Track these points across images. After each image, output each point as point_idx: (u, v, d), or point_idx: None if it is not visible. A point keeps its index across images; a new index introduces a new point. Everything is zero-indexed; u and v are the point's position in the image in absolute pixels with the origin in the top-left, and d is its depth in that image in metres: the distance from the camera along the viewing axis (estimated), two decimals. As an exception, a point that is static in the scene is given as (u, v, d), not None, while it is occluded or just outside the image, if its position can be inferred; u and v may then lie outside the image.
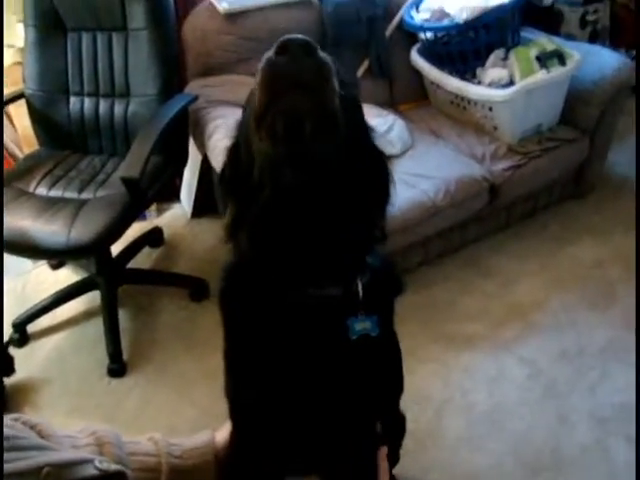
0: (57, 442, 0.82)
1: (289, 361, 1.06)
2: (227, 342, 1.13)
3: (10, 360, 2.17)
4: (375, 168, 1.01)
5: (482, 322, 2.33)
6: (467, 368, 2.17)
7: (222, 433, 1.19)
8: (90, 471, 0.69)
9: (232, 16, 2.44)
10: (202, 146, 2.30)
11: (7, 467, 0.60)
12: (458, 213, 2.41)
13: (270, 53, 0.81)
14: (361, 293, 1.04)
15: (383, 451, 1.22)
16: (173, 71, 2.29)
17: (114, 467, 0.74)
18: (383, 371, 1.16)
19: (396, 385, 1.35)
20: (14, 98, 2.38)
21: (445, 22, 2.50)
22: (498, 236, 2.70)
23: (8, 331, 2.34)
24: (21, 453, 0.65)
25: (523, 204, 2.71)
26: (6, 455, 0.62)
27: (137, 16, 2.19)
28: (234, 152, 0.99)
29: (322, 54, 0.82)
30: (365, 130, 1.00)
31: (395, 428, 1.51)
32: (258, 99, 0.83)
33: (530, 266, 2.56)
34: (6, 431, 0.66)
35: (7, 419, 0.72)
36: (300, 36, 0.80)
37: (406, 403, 1.47)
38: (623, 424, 1.92)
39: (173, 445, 1.07)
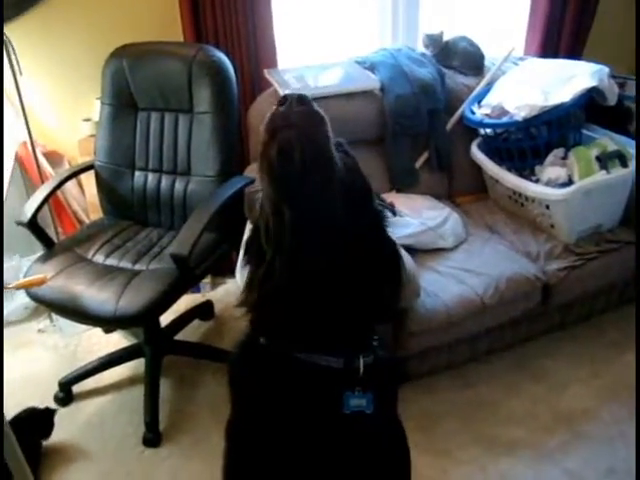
0: None
1: (289, 432, 1.11)
2: (232, 416, 1.17)
3: (51, 425, 2.22)
4: (383, 249, 1.10)
5: (526, 427, 2.23)
6: (505, 475, 2.06)
7: None
8: None
9: (295, 104, 2.51)
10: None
11: None
12: (508, 311, 2.35)
13: (274, 106, 0.98)
14: (362, 370, 1.09)
15: None
16: (232, 154, 2.38)
17: None
18: (382, 459, 1.16)
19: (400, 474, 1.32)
20: (85, 168, 2.54)
21: (505, 119, 2.51)
22: (551, 338, 2.61)
23: (54, 389, 2.41)
24: None
25: (579, 306, 2.61)
26: None
27: (203, 101, 2.31)
28: (256, 230, 1.11)
29: (316, 106, 1.00)
30: (368, 195, 1.11)
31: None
32: (261, 141, 0.98)
33: (582, 372, 2.45)
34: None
35: None
36: (298, 92, 0.99)
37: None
38: None
39: None
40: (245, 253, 1.15)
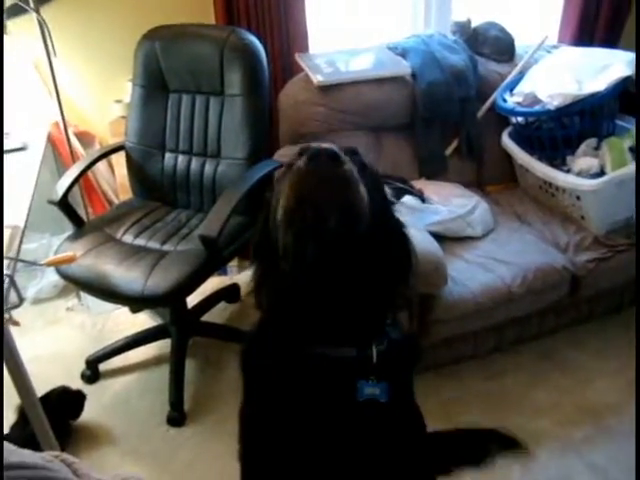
0: None
1: (302, 419, 1.11)
2: (245, 401, 1.18)
3: (81, 407, 2.25)
4: (395, 240, 1.09)
5: (551, 419, 2.22)
6: (529, 467, 2.05)
7: None
8: None
9: (326, 88, 2.52)
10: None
11: None
12: (535, 302, 2.33)
13: (301, 162, 0.92)
14: (375, 358, 1.09)
15: None
16: (262, 138, 2.37)
17: None
18: (398, 443, 1.15)
19: (419, 462, 1.31)
20: (116, 149, 2.56)
21: (537, 108, 2.48)
22: (578, 329, 2.58)
23: (81, 367, 2.45)
24: None
25: (607, 298, 2.58)
26: None
27: (234, 83, 2.30)
28: (265, 222, 1.09)
29: (347, 163, 0.93)
30: (387, 207, 1.09)
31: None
32: (288, 199, 0.93)
33: (610, 365, 2.43)
34: (44, 464, 0.69)
35: (48, 455, 0.75)
36: (329, 146, 0.92)
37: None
38: None
39: None
40: (254, 253, 1.14)
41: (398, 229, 1.11)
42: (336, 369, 1.07)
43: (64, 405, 2.19)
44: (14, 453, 0.67)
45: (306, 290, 1.01)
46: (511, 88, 2.70)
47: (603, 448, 2.10)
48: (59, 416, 2.11)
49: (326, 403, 1.09)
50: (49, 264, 1.91)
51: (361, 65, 2.65)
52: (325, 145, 0.94)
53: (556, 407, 2.27)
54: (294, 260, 0.98)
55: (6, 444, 0.68)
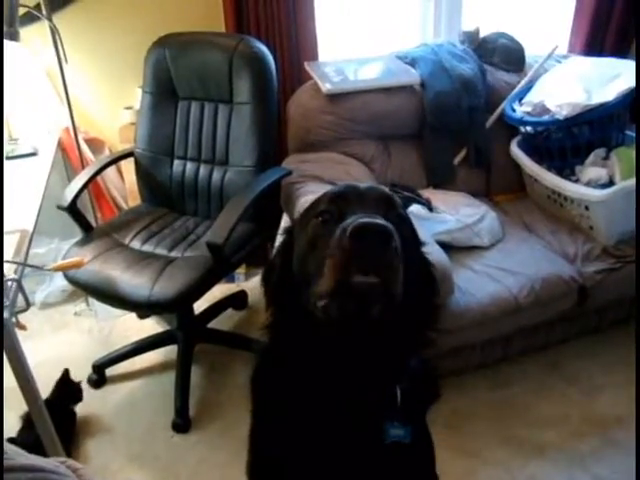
0: None
1: (321, 459, 1.06)
2: (254, 424, 1.15)
3: (78, 389, 2.27)
4: (424, 283, 1.06)
5: (557, 430, 2.20)
6: (533, 478, 2.03)
7: None
8: None
9: (334, 97, 2.53)
10: (292, 219, 2.37)
11: None
12: (543, 312, 2.32)
13: (345, 238, 0.83)
14: (399, 400, 1.05)
15: None
16: (270, 145, 2.39)
17: None
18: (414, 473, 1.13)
19: None
20: (125, 155, 2.58)
21: (546, 117, 2.47)
22: (586, 340, 2.56)
23: (88, 372, 2.46)
24: None
25: (616, 309, 2.56)
26: None
27: (243, 91, 2.32)
28: (284, 254, 1.05)
29: (395, 241, 0.84)
30: (420, 256, 1.06)
31: None
32: (330, 275, 0.86)
33: (618, 377, 2.40)
34: (52, 468, 0.70)
35: (54, 461, 0.76)
36: (376, 222, 0.83)
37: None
38: None
39: None
40: (270, 296, 1.08)
41: (428, 273, 1.09)
42: (359, 411, 1.03)
43: (63, 395, 2.23)
44: (24, 457, 0.68)
45: (333, 339, 0.97)
46: (520, 98, 2.69)
47: (609, 461, 2.08)
48: (63, 407, 2.20)
49: (349, 444, 1.05)
50: (57, 269, 1.92)
51: (370, 74, 2.66)
52: (372, 220, 0.84)
53: (563, 418, 2.25)
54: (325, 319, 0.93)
55: (16, 449, 0.69)
